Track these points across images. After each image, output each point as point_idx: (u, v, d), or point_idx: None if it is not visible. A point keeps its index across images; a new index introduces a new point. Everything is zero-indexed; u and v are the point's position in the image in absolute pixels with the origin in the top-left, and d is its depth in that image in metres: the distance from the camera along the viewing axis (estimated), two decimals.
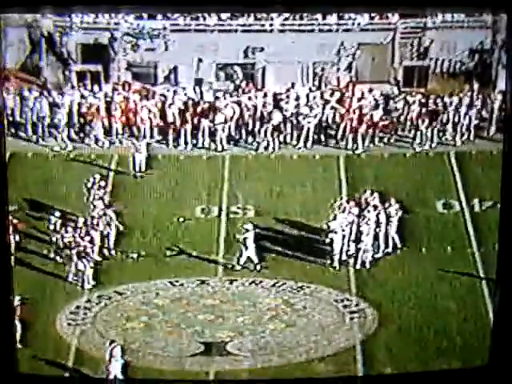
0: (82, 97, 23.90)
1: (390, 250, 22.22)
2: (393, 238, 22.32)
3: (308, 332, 20.63)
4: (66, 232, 21.76)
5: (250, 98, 24.09)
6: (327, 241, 22.01)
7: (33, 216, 22.28)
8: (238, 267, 21.87)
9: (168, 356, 20.08)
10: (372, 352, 20.11)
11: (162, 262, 21.90)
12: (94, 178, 22.72)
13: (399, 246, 22.25)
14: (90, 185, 22.63)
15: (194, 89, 23.88)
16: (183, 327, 20.68)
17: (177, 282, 21.62)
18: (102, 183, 22.82)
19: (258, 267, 21.93)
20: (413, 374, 19.66)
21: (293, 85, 23.94)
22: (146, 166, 23.44)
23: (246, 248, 21.98)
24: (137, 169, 23.42)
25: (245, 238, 22.00)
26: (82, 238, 21.71)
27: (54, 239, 21.84)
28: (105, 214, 22.36)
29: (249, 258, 21.99)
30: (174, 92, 23.99)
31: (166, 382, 19.72)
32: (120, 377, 19.62)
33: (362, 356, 20.07)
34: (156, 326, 20.70)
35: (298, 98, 24.06)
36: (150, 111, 23.90)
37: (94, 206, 22.43)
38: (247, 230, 22.01)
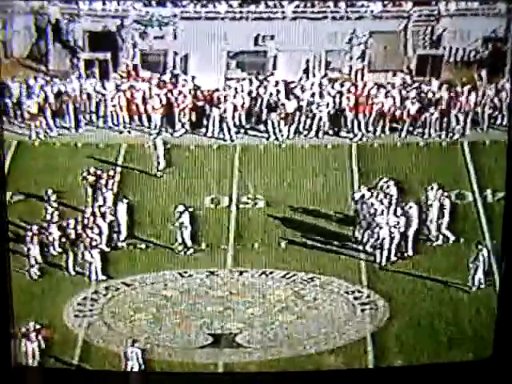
0: (90, 85, 23.37)
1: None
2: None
3: (318, 324, 20.47)
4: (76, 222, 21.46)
5: (260, 87, 23.56)
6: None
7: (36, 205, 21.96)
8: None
9: (176, 348, 20.04)
10: (383, 344, 19.98)
11: (171, 253, 21.58)
12: (102, 169, 22.31)
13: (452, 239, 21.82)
14: (99, 175, 22.22)
15: (204, 77, 23.28)
16: (192, 319, 20.54)
17: (185, 272, 21.35)
18: (111, 173, 22.38)
19: (191, 251, 21.54)
20: (421, 367, 19.58)
21: (304, 73, 23.43)
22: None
23: (182, 233, 21.57)
24: (157, 165, 22.89)
25: (181, 223, 21.61)
26: (90, 229, 21.35)
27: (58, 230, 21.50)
28: (114, 205, 21.98)
29: (183, 241, 21.54)
30: (184, 81, 23.45)
31: (179, 374, 19.63)
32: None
33: (372, 348, 19.96)
34: (164, 318, 20.54)
35: (309, 87, 23.53)
36: (160, 100, 23.41)
37: (104, 197, 22.05)
38: (181, 214, 21.59)
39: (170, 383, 19.96)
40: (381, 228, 21.60)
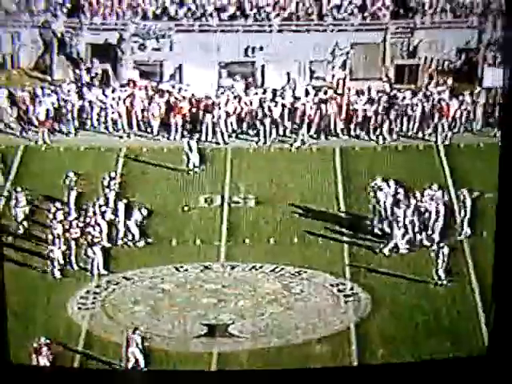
0: (91, 93, 23.83)
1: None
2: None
3: (305, 315, 20.33)
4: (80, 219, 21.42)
5: (250, 94, 23.93)
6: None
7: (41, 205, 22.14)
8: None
9: (173, 338, 19.73)
10: (365, 334, 19.76)
11: (168, 249, 21.67)
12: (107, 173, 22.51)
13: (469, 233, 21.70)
14: (102, 177, 22.39)
15: (198, 85, 23.72)
16: (188, 310, 20.36)
17: (181, 267, 21.35)
18: (113, 175, 22.53)
19: (142, 243, 21.71)
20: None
21: (290, 81, 23.81)
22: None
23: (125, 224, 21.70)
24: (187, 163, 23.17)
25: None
26: (92, 227, 21.31)
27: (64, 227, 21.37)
28: (115, 205, 22.01)
29: (132, 233, 21.71)
30: (179, 89, 23.85)
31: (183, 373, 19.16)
32: (141, 363, 19.16)
33: (355, 337, 19.73)
34: (162, 310, 20.39)
35: (295, 94, 23.86)
36: (159, 107, 23.72)
37: (106, 197, 22.17)
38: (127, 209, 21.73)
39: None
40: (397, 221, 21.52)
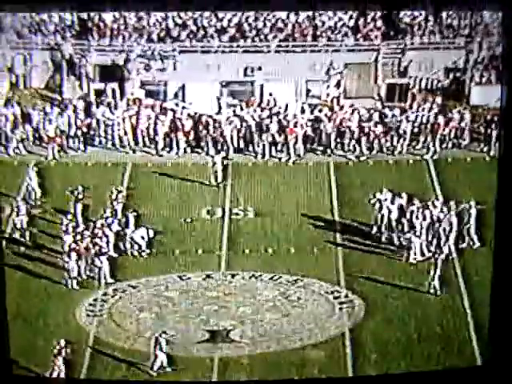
0: (98, 112, 24.13)
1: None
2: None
3: (302, 321, 20.50)
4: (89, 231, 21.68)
5: (249, 112, 24.18)
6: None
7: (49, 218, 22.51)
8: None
9: (177, 343, 19.92)
10: (360, 338, 19.97)
11: (172, 259, 21.86)
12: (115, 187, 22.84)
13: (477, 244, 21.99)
14: (110, 191, 22.66)
15: (201, 104, 24.02)
16: (190, 317, 20.55)
17: (185, 276, 21.55)
18: (120, 188, 22.85)
19: (146, 253, 21.94)
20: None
21: (287, 99, 24.10)
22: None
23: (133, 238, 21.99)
24: (215, 179, 23.42)
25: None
26: (99, 238, 21.61)
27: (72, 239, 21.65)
28: (122, 216, 22.31)
29: (138, 245, 21.92)
30: (183, 107, 24.09)
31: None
32: (165, 365, 19.51)
33: (350, 342, 19.92)
34: (166, 316, 20.58)
35: (292, 111, 24.14)
36: (163, 124, 23.98)
37: (114, 209, 22.43)
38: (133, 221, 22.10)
39: None
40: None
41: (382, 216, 22.28)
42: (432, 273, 21.00)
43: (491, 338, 19.35)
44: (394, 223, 22.32)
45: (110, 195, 22.67)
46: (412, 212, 22.11)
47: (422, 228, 21.90)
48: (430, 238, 21.89)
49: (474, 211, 21.95)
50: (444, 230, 21.93)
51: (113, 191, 22.71)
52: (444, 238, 21.88)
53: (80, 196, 22.35)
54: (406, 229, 22.17)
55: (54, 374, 19.34)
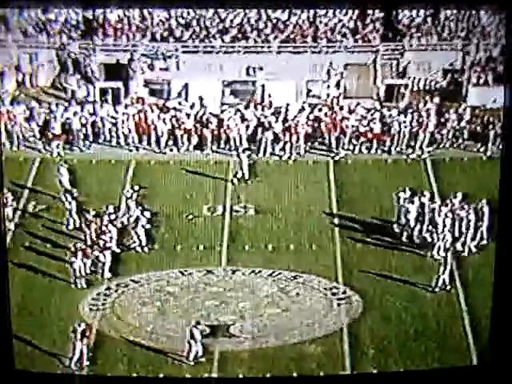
0: (103, 110, 24.16)
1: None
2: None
3: (301, 316, 20.63)
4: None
5: (251, 111, 24.21)
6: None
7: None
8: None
9: (178, 337, 20.04)
10: (357, 334, 20.16)
11: (173, 254, 21.93)
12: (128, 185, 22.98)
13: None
14: (125, 189, 22.82)
15: (203, 103, 24.05)
16: (192, 312, 20.67)
17: (186, 271, 21.63)
18: (123, 185, 22.95)
19: (148, 248, 22.02)
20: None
21: (288, 99, 24.11)
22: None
23: (137, 233, 22.09)
24: (242, 175, 23.51)
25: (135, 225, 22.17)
26: (104, 234, 21.79)
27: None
28: (141, 213, 22.39)
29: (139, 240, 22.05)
30: (185, 106, 24.09)
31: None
32: (200, 354, 19.71)
33: (348, 337, 20.11)
34: (168, 311, 20.70)
35: (293, 111, 24.17)
36: (166, 123, 24.01)
37: (117, 206, 22.48)
38: (138, 217, 22.15)
39: None
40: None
41: (406, 214, 22.47)
42: (442, 268, 21.15)
43: (491, 338, 19.60)
44: (412, 222, 22.49)
45: (116, 192, 22.90)
46: (433, 210, 22.33)
47: (444, 226, 22.10)
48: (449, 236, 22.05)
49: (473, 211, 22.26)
50: (460, 226, 22.18)
51: (117, 188, 22.91)
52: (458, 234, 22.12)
53: (75, 194, 22.59)
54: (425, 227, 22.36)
55: (74, 359, 19.64)
